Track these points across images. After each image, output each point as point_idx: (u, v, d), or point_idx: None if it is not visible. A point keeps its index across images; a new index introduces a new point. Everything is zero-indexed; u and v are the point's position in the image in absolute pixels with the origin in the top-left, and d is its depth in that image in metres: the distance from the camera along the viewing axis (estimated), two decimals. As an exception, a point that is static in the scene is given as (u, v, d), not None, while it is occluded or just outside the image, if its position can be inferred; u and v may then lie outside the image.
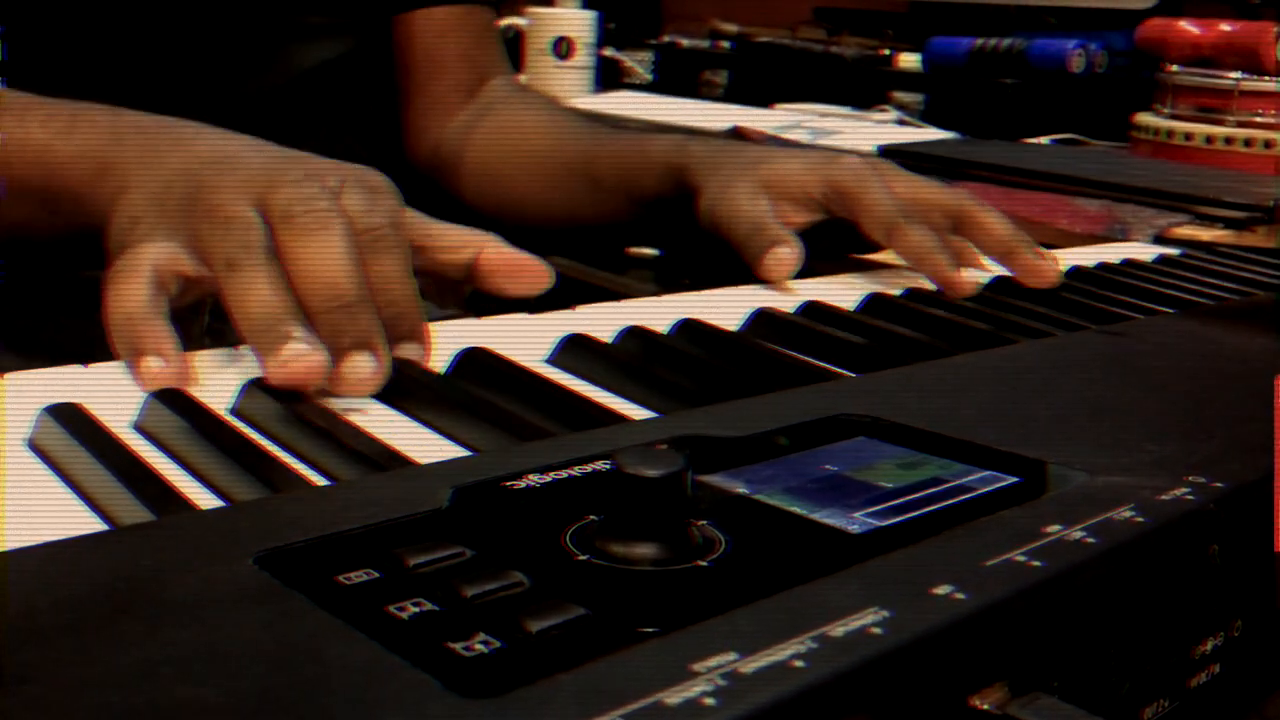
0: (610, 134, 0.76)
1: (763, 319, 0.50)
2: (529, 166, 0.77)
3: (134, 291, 0.38)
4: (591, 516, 0.25)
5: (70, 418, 0.34)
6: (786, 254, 0.57)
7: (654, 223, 0.70)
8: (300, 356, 0.36)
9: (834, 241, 0.64)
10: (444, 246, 0.46)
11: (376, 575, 0.22)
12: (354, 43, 0.76)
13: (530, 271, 0.47)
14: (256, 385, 0.37)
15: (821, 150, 1.05)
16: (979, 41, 1.32)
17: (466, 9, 0.81)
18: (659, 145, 0.70)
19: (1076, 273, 0.63)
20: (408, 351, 0.41)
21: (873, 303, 0.54)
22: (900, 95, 1.37)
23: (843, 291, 0.56)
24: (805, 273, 0.59)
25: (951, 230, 0.60)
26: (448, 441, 0.36)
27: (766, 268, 0.57)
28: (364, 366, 0.37)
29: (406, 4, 0.80)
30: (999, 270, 0.60)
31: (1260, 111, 1.06)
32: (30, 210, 0.52)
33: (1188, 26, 1.12)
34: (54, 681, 0.18)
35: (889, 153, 1.02)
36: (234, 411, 0.37)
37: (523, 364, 0.41)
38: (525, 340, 0.44)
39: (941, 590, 0.22)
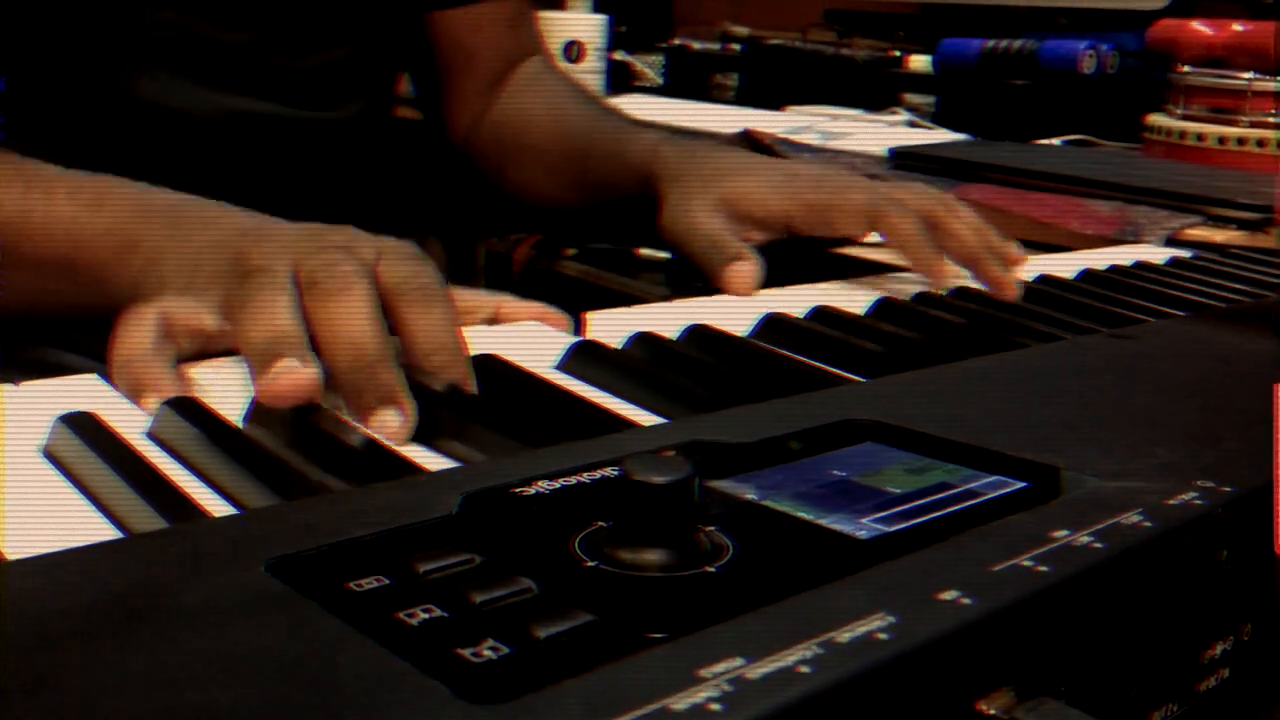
0: (603, 130, 0.78)
1: (772, 324, 0.50)
2: (533, 157, 0.81)
3: (138, 336, 0.39)
4: (600, 523, 0.25)
5: (85, 426, 0.34)
6: (746, 268, 0.57)
7: (635, 219, 0.71)
8: (289, 371, 0.36)
9: (799, 246, 0.64)
10: (461, 310, 0.47)
11: (386, 582, 0.23)
12: (351, 49, 0.77)
13: (548, 320, 0.48)
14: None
15: (830, 153, 1.05)
16: (990, 43, 1.32)
17: (496, 3, 0.83)
18: (637, 148, 0.71)
19: (1088, 275, 0.63)
20: None
21: (882, 307, 0.54)
22: (911, 97, 1.37)
23: (852, 296, 0.56)
24: (807, 278, 0.59)
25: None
26: (458, 448, 0.36)
27: (727, 281, 0.57)
28: (390, 422, 0.37)
29: (438, 3, 0.81)
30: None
31: (1273, 112, 1.05)
32: (52, 282, 0.53)
33: (1200, 27, 1.11)
34: (67, 688, 0.19)
35: (900, 155, 1.02)
36: (245, 418, 0.37)
37: (532, 370, 0.41)
38: (535, 346, 0.44)
39: (948, 595, 0.23)
